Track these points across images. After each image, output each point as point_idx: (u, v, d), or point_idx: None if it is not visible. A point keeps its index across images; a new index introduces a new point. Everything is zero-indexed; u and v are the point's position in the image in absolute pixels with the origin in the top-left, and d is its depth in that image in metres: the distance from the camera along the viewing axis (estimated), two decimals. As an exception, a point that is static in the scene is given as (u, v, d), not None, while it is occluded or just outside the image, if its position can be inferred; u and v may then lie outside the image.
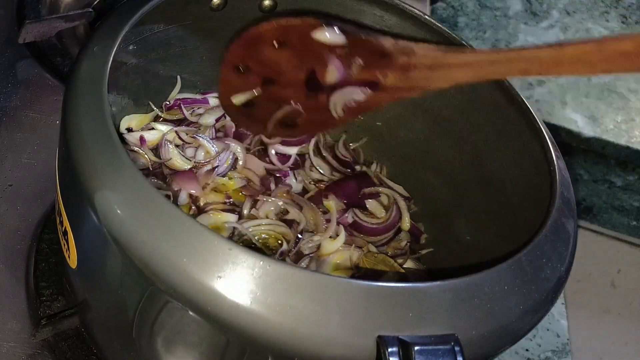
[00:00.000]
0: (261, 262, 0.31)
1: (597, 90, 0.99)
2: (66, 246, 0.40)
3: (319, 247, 0.47)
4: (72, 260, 0.40)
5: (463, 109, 0.49)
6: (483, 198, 0.48)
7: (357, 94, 0.43)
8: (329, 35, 0.43)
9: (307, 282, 0.30)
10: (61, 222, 0.40)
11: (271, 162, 0.52)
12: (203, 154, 0.49)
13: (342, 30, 0.42)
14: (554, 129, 0.93)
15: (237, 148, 0.51)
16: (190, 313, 0.32)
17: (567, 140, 0.93)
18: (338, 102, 0.44)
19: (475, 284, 0.32)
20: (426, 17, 0.48)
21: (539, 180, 0.41)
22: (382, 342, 0.29)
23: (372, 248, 0.49)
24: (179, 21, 0.48)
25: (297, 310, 0.30)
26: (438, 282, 0.32)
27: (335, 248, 0.47)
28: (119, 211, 0.33)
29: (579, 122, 0.94)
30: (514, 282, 0.33)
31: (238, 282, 0.30)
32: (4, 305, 0.50)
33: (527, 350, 0.66)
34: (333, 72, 0.43)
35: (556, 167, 0.40)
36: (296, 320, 0.30)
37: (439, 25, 0.48)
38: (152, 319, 0.35)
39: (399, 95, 0.43)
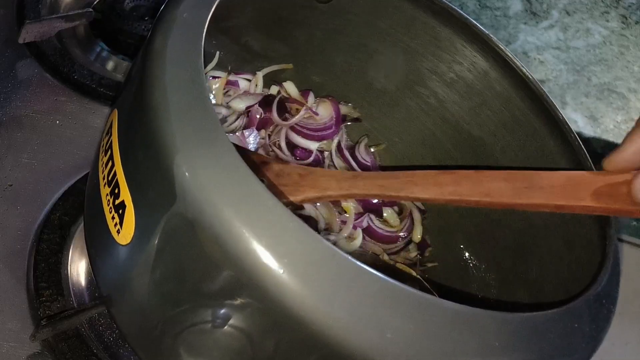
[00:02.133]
0: (368, 278, 0.29)
1: (597, 90, 0.99)
2: (117, 220, 0.36)
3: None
4: (125, 236, 0.36)
5: (495, 132, 0.48)
6: (498, 223, 0.48)
7: None
8: None
9: (404, 299, 0.29)
10: (114, 194, 0.36)
11: (279, 147, 0.52)
12: None
13: None
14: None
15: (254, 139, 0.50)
16: (273, 318, 0.30)
17: (567, 140, 0.93)
18: None
19: (553, 319, 0.32)
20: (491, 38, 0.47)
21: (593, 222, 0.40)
22: None
23: (386, 257, 0.49)
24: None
25: (389, 327, 0.28)
26: (522, 314, 0.31)
27: (353, 249, 0.47)
28: (200, 181, 0.29)
29: (579, 122, 0.94)
30: (582, 319, 0.33)
31: (333, 290, 0.28)
32: (4, 305, 0.50)
33: (527, 350, 0.66)
34: None
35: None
36: (383, 336, 0.28)
37: (500, 46, 0.47)
38: (205, 304, 0.33)
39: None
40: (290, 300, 0.28)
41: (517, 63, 0.46)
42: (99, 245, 0.41)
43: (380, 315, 0.28)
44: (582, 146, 0.43)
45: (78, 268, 0.53)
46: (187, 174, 0.30)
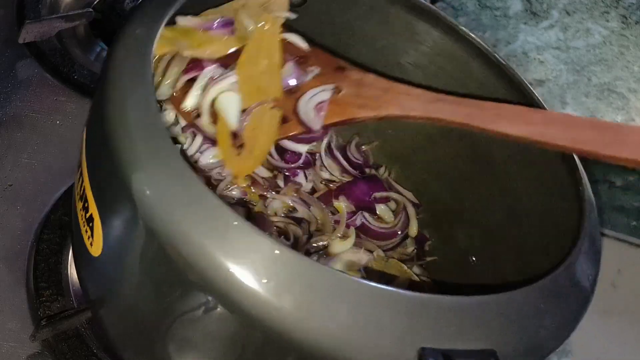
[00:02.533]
0: (308, 266, 0.30)
1: (597, 90, 0.99)
2: (89, 233, 0.39)
3: (326, 246, 0.47)
4: (96, 248, 0.38)
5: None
6: (492, 211, 0.48)
7: (324, 94, 0.43)
8: (295, 38, 0.44)
9: (354, 289, 0.30)
10: (85, 208, 0.38)
11: (272, 158, 0.52)
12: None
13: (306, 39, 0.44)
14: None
15: None
16: (231, 315, 0.31)
17: (567, 140, 0.93)
18: (309, 108, 0.44)
19: (514, 301, 0.32)
20: (457, 25, 0.48)
21: (561, 197, 0.41)
22: (424, 355, 0.29)
23: (381, 252, 0.49)
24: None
25: (341, 317, 0.29)
26: (480, 297, 0.31)
27: (345, 249, 0.47)
28: (157, 197, 0.31)
29: (579, 122, 0.94)
30: (550, 300, 0.33)
31: (281, 285, 0.30)
32: (4, 306, 0.50)
33: (527, 350, 0.66)
34: (288, 71, 0.43)
35: (583, 184, 0.40)
36: (340, 328, 0.29)
37: (470, 34, 0.47)
38: (184, 315, 0.34)
39: (350, 114, 0.43)
40: (247, 302, 0.30)
41: (489, 49, 0.47)
42: (79, 256, 0.43)
43: (331, 307, 0.29)
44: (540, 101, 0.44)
45: (78, 268, 0.53)
46: (145, 191, 0.31)
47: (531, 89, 0.45)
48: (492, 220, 0.48)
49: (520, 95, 0.45)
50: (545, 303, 0.33)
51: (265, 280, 0.30)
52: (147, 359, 0.40)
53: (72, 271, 0.52)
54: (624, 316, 1.11)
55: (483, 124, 0.39)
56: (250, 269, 0.30)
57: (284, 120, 0.44)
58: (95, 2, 0.70)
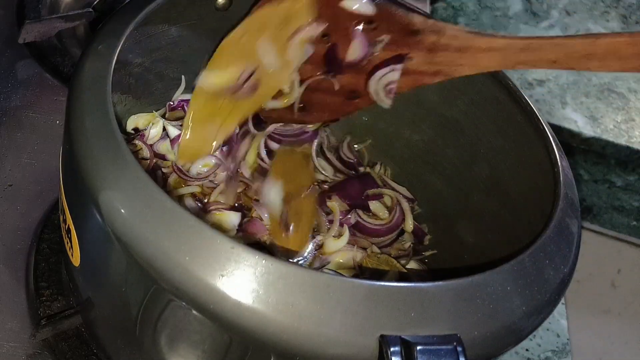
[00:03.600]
0: (263, 261, 0.31)
1: (597, 90, 0.99)
2: (69, 244, 0.40)
3: (321, 246, 0.47)
4: (75, 258, 0.40)
5: (466, 110, 0.49)
6: (486, 200, 0.48)
7: (393, 74, 0.42)
8: (358, 4, 0.41)
9: (309, 281, 0.30)
10: (64, 220, 0.40)
11: (261, 159, 0.51)
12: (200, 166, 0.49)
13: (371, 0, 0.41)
14: (554, 129, 0.93)
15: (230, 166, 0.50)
16: (193, 312, 0.32)
17: (567, 140, 0.93)
18: (379, 88, 0.43)
19: (477, 285, 0.32)
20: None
21: (543, 182, 0.41)
22: (384, 342, 0.29)
23: (376, 249, 0.49)
24: (184, 21, 0.48)
25: (299, 308, 0.30)
26: (440, 282, 0.32)
27: (339, 247, 0.47)
28: (122, 210, 0.33)
29: (579, 122, 0.94)
30: (517, 283, 0.33)
31: (240, 281, 0.30)
32: (4, 305, 0.50)
33: (527, 350, 0.66)
34: (355, 49, 0.42)
35: (560, 167, 0.40)
36: (298, 319, 0.30)
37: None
38: (155, 318, 0.35)
39: (421, 82, 0.42)
40: (209, 299, 0.31)
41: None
42: (67, 265, 0.45)
43: (289, 300, 0.30)
44: (534, 109, 0.44)
45: (78, 268, 0.53)
46: (115, 208, 0.33)
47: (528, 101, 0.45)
48: (486, 209, 0.48)
49: (502, 85, 0.46)
50: (512, 286, 0.33)
51: (221, 275, 0.31)
52: None
53: (72, 271, 0.52)
54: (624, 316, 1.11)
55: (573, 66, 0.37)
56: (206, 266, 0.31)
57: (354, 95, 0.44)
58: (95, 2, 0.70)
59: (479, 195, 0.49)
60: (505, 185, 0.46)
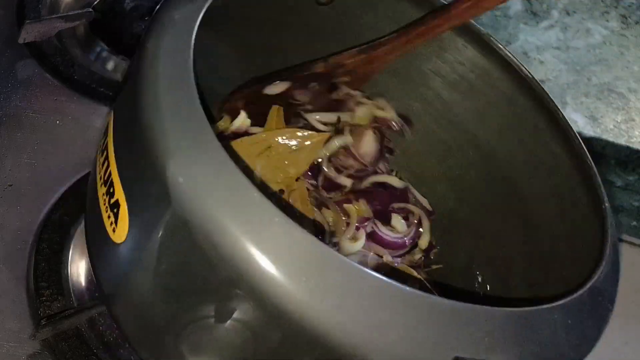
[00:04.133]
0: (348, 268, 0.29)
1: (597, 90, 0.99)
2: (112, 219, 0.37)
3: (336, 246, 0.47)
4: (119, 235, 0.37)
5: (498, 130, 0.48)
6: (502, 223, 0.48)
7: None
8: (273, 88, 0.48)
9: (394, 295, 0.29)
10: (110, 193, 0.37)
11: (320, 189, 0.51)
12: None
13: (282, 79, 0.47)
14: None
15: None
16: (255, 307, 0.30)
17: (567, 140, 0.93)
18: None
19: (546, 315, 0.32)
20: (485, 35, 0.48)
21: (585, 220, 0.41)
22: None
23: (389, 257, 0.49)
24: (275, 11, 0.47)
25: (379, 322, 0.29)
26: (513, 310, 0.31)
27: (355, 250, 0.47)
28: (193, 185, 0.30)
29: (579, 122, 0.94)
30: (576, 316, 0.34)
31: (322, 286, 0.29)
32: (4, 305, 0.50)
33: (527, 350, 0.66)
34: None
35: (605, 206, 0.40)
36: (377, 333, 0.29)
37: (499, 45, 0.48)
38: (203, 305, 0.33)
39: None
40: (282, 298, 0.29)
41: (517, 62, 0.47)
42: (97, 244, 0.41)
43: (369, 311, 0.29)
44: (582, 144, 0.43)
45: (78, 268, 0.53)
46: (180, 178, 0.30)
47: (556, 105, 0.45)
48: (502, 231, 0.47)
49: (545, 110, 0.45)
50: (572, 320, 0.33)
51: (304, 279, 0.29)
52: (165, 356, 0.39)
53: (72, 271, 0.52)
54: (624, 316, 1.11)
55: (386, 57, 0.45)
56: (288, 266, 0.29)
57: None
58: (95, 2, 0.70)
59: (494, 216, 0.48)
60: (531, 212, 0.46)
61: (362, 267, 0.29)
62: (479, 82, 0.48)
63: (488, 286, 0.47)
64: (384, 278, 0.30)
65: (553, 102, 0.45)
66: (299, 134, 0.47)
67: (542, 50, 1.03)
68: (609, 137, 0.93)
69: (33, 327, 0.48)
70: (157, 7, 0.38)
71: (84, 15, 0.68)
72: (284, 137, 0.47)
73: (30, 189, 0.56)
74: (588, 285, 0.35)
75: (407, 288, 0.30)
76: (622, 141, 0.92)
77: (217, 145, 0.31)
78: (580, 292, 0.34)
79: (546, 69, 1.00)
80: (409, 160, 0.54)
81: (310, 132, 0.48)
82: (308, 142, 0.48)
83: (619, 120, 0.95)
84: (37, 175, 0.57)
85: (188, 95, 0.32)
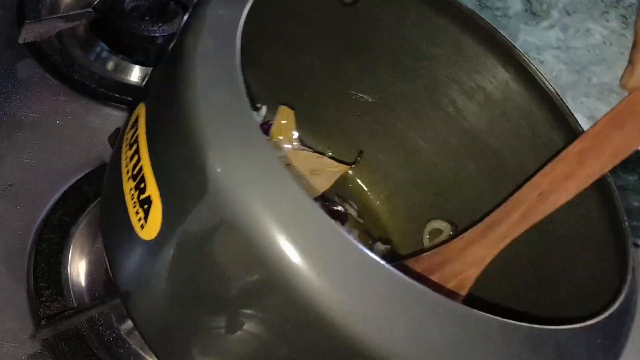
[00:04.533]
0: (399, 281, 0.28)
1: (597, 90, 0.99)
2: (142, 214, 0.35)
3: None
4: (148, 232, 0.35)
5: (513, 143, 0.48)
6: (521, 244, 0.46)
7: None
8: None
9: (444, 310, 0.29)
10: (140, 189, 0.35)
11: None
12: None
13: None
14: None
15: None
16: (288, 309, 0.29)
17: (567, 140, 0.93)
18: None
19: (578, 335, 0.32)
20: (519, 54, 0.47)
21: (603, 232, 0.41)
22: None
23: None
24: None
25: (428, 337, 0.28)
26: (547, 327, 0.31)
27: None
28: (236, 181, 0.29)
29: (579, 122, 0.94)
30: (606, 336, 0.34)
31: (367, 297, 0.28)
32: (4, 305, 0.50)
33: (527, 350, 0.66)
34: None
35: (623, 219, 0.40)
36: (417, 345, 0.28)
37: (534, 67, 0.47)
38: (233, 305, 0.32)
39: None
40: (321, 303, 0.28)
41: (540, 76, 0.46)
42: (119, 240, 0.40)
43: (409, 320, 0.28)
44: None
45: (78, 268, 0.53)
46: (219, 170, 0.29)
47: (576, 120, 0.45)
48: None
49: (564, 124, 0.45)
50: (602, 339, 0.33)
51: (346, 286, 0.27)
52: (178, 356, 0.38)
53: (72, 271, 0.52)
54: (624, 316, 1.11)
55: (536, 218, 0.39)
56: (329, 270, 0.27)
57: None
58: (95, 2, 0.70)
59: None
60: (554, 234, 0.45)
61: (404, 276, 0.28)
62: (497, 92, 0.48)
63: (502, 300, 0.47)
64: (427, 289, 0.28)
65: (573, 116, 0.45)
66: (319, 159, 0.47)
67: (542, 50, 1.03)
68: (609, 137, 0.93)
69: (33, 327, 0.48)
70: (195, 3, 0.36)
71: (84, 15, 0.68)
72: (305, 158, 0.46)
73: (30, 189, 0.56)
74: (613, 309, 0.34)
75: (444, 298, 0.29)
76: (622, 141, 0.92)
77: (262, 139, 0.29)
78: (608, 312, 0.34)
79: (546, 69, 1.00)
80: (421, 164, 0.54)
81: (331, 160, 0.47)
82: (330, 169, 0.47)
83: (619, 120, 0.95)
84: (37, 175, 0.57)
85: (234, 90, 0.31)
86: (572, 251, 0.44)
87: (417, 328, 0.28)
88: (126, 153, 0.37)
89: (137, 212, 0.36)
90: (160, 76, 0.36)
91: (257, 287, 0.30)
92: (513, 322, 0.30)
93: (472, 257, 0.41)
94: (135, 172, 0.36)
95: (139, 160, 0.35)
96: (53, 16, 0.67)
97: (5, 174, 0.57)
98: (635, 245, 1.07)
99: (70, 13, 0.68)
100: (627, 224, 0.40)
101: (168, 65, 0.35)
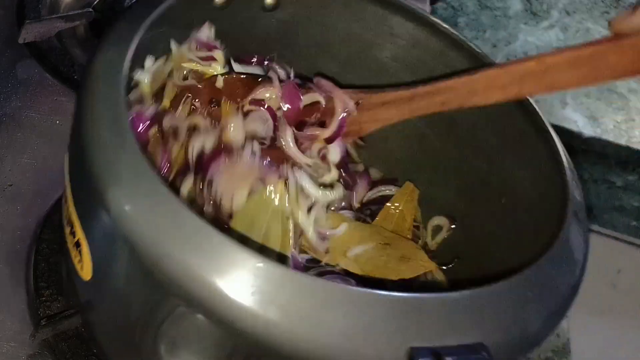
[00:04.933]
0: (293, 277, 0.30)
1: (597, 90, 0.99)
2: (78, 257, 0.39)
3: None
4: (86, 272, 0.39)
5: (474, 116, 0.48)
6: (491, 204, 0.48)
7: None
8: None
9: (339, 296, 0.30)
10: (73, 233, 0.39)
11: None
12: None
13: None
14: (554, 129, 0.93)
15: None
16: (201, 318, 0.32)
17: (567, 140, 0.93)
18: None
19: (500, 292, 0.32)
20: (431, 17, 0.48)
21: (551, 188, 0.41)
22: (414, 354, 0.29)
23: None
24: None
25: (328, 324, 0.30)
26: (465, 291, 0.31)
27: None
28: (135, 217, 0.32)
29: (579, 122, 0.94)
30: (535, 290, 0.34)
31: (267, 297, 0.30)
32: (4, 305, 0.50)
33: (527, 350, 0.66)
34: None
35: (568, 173, 0.40)
36: (327, 335, 0.30)
37: (444, 25, 0.48)
38: (160, 323, 0.35)
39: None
40: (231, 315, 0.30)
41: (466, 41, 0.47)
42: (70, 274, 0.44)
43: (317, 315, 0.30)
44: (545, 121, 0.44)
45: (78, 268, 0.53)
46: (125, 207, 0.32)
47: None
48: (482, 211, 0.48)
49: None
50: (530, 293, 0.33)
51: (250, 293, 0.30)
52: None
53: (72, 271, 0.52)
54: (624, 316, 1.11)
55: (460, 104, 0.40)
56: (234, 282, 0.30)
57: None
58: (95, 2, 0.70)
59: (472, 197, 0.49)
60: (512, 191, 0.46)
61: (306, 275, 0.31)
62: (435, 63, 0.48)
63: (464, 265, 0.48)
64: (330, 282, 0.31)
65: (483, 53, 0.46)
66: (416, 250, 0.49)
67: (542, 50, 1.03)
68: (609, 137, 0.93)
69: (33, 327, 0.48)
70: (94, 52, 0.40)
71: (84, 15, 0.68)
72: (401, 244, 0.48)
73: (30, 189, 0.56)
74: (544, 258, 0.34)
75: (356, 288, 0.31)
76: (622, 141, 0.92)
77: (153, 175, 0.33)
78: (535, 264, 0.34)
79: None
80: (382, 148, 0.54)
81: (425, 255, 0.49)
82: (421, 263, 0.48)
83: (619, 120, 0.95)
84: (37, 175, 0.57)
85: (122, 130, 0.35)
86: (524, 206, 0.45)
87: (315, 317, 0.30)
88: (63, 200, 0.41)
89: (75, 255, 0.39)
90: (72, 125, 0.39)
91: (176, 310, 0.33)
92: (417, 294, 0.31)
93: (383, 114, 0.44)
94: (67, 217, 0.39)
95: (68, 205, 0.39)
96: (53, 16, 0.67)
97: (5, 174, 0.57)
98: (619, 240, 1.08)
99: (70, 13, 0.68)
100: (571, 167, 0.41)
101: (75, 115, 0.38)
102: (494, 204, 0.47)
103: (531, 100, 0.44)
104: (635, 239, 1.08)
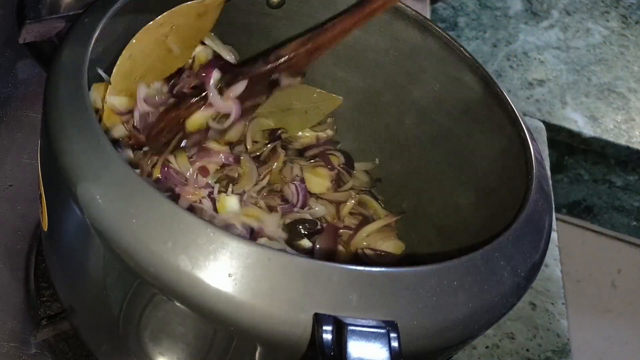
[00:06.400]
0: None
1: (597, 90, 0.99)
2: (42, 208, 0.40)
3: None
4: (44, 222, 0.40)
5: (436, 93, 0.49)
6: (456, 182, 0.48)
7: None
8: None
9: (248, 253, 0.31)
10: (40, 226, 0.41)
11: None
12: None
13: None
14: (554, 129, 0.93)
15: None
16: (175, 303, 0.32)
17: (567, 140, 0.94)
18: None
19: (422, 276, 0.32)
20: (422, 16, 0.48)
21: (515, 169, 0.41)
22: (317, 320, 0.30)
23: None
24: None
25: (236, 280, 0.31)
26: (384, 269, 0.32)
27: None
28: (101, 201, 0.32)
29: (579, 122, 0.94)
30: (465, 279, 0.33)
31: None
32: (4, 305, 0.50)
33: (527, 350, 0.66)
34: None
35: (532, 156, 0.40)
36: (234, 291, 0.30)
37: (437, 28, 0.48)
38: (138, 313, 0.35)
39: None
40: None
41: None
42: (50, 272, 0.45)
43: (226, 271, 0.31)
44: (494, 79, 0.45)
45: (78, 268, 0.53)
46: (95, 200, 0.33)
47: (458, 44, 0.46)
48: (452, 191, 0.48)
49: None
50: (459, 281, 0.33)
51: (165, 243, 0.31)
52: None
53: (72, 271, 0.52)
54: (624, 316, 1.11)
55: (330, 44, 0.46)
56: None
57: None
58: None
59: (447, 177, 0.49)
60: (476, 170, 0.46)
61: (225, 231, 0.31)
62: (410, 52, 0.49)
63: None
64: (248, 241, 0.32)
65: (460, 47, 0.46)
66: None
67: (542, 50, 1.03)
68: (609, 137, 0.93)
69: (33, 328, 0.48)
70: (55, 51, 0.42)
71: (84, 15, 0.68)
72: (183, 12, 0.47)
73: (30, 189, 0.56)
74: (480, 250, 0.34)
75: (266, 247, 0.32)
76: (622, 141, 0.93)
77: (119, 160, 0.34)
78: (469, 255, 0.34)
79: (546, 69, 1.00)
80: (354, 124, 0.54)
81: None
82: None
83: (619, 120, 0.95)
84: (37, 175, 0.57)
85: (86, 119, 0.36)
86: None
87: (233, 275, 0.31)
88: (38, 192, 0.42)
89: (41, 205, 0.41)
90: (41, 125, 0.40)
91: (150, 296, 0.34)
92: (330, 264, 0.31)
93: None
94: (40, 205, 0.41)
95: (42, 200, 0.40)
96: (53, 16, 0.67)
97: (5, 174, 0.57)
98: (618, 239, 1.08)
99: (70, 13, 0.68)
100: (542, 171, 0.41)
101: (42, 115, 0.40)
102: (458, 181, 0.47)
103: (489, 73, 0.45)
104: (635, 239, 1.08)
